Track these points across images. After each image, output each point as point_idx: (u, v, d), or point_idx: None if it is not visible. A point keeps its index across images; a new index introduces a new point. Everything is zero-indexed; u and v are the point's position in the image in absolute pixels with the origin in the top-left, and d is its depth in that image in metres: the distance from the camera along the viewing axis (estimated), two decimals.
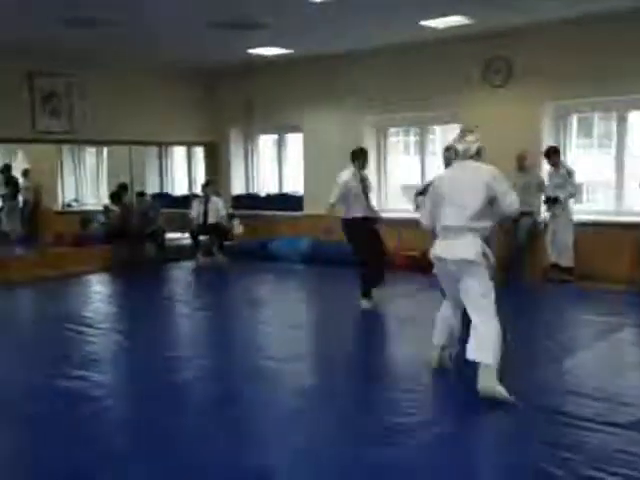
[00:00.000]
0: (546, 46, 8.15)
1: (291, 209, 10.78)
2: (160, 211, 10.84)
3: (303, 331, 6.48)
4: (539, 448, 3.56)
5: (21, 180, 13.34)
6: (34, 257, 10.21)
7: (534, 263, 8.24)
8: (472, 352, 4.21)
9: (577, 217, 8.08)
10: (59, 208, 13.41)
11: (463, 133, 4.52)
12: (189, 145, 12.23)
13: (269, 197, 11.40)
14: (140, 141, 10.92)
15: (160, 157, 13.02)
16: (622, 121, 8.15)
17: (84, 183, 13.72)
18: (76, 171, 13.67)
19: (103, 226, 11.12)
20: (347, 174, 6.92)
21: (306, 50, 9.46)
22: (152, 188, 12.62)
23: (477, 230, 4.30)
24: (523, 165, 8.23)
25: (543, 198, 8.24)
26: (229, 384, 4.82)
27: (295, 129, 10.79)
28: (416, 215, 5.08)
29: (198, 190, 11.01)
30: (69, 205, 13.47)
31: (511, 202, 4.36)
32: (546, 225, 8.20)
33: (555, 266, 8.11)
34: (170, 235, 10.97)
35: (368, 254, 6.92)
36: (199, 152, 12.24)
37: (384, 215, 9.93)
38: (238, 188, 11.76)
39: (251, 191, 11.80)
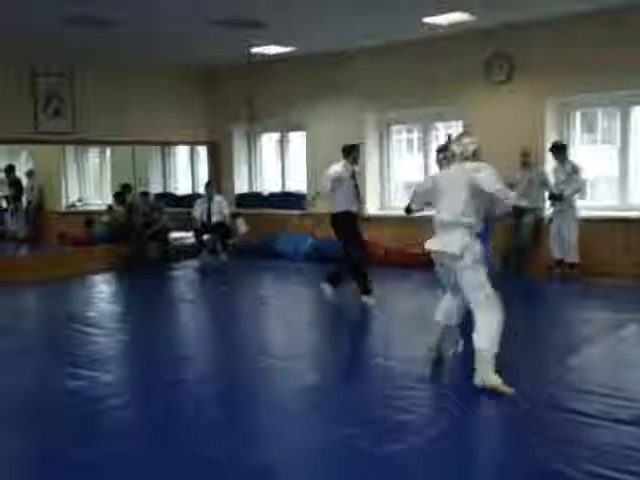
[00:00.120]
0: (548, 42, 8.13)
1: (294, 207, 10.76)
2: (164, 210, 10.85)
3: (305, 329, 6.48)
4: (543, 444, 3.55)
5: (25, 181, 13.38)
6: (38, 257, 10.25)
7: (538, 259, 8.22)
8: (474, 341, 4.38)
9: (581, 213, 8.06)
10: (63, 208, 13.45)
11: (460, 135, 4.62)
12: (192, 144, 12.23)
13: (272, 196, 11.39)
14: (143, 141, 10.93)
15: (163, 157, 13.03)
16: (626, 116, 8.13)
17: (88, 183, 13.75)
18: (79, 171, 13.70)
19: (107, 226, 11.14)
20: (339, 167, 6.94)
21: (308, 48, 9.45)
22: (155, 188, 12.63)
23: (467, 225, 4.41)
24: (526, 161, 8.21)
25: (547, 194, 8.22)
26: (233, 382, 4.82)
27: (298, 127, 10.79)
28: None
29: (201, 189, 11.02)
30: (73, 205, 13.49)
31: (506, 195, 4.43)
32: (550, 221, 8.18)
33: (559, 262, 8.09)
34: (174, 234, 10.98)
35: (360, 250, 6.95)
36: (202, 151, 12.24)
37: (387, 213, 10.03)
38: (241, 187, 11.76)
39: (254, 190, 11.80)
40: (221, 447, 3.67)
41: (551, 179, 8.18)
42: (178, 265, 10.35)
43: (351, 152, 7.03)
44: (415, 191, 5.06)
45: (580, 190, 8.00)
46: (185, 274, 9.86)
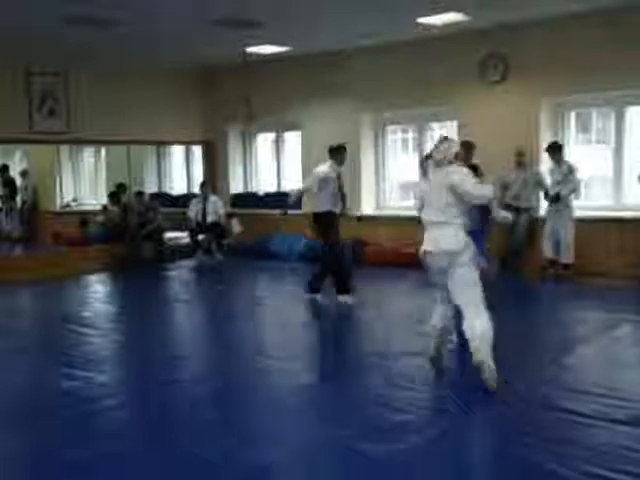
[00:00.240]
0: (543, 42, 8.15)
1: (290, 208, 10.74)
2: (159, 210, 10.84)
3: (300, 329, 6.48)
4: (537, 444, 3.56)
5: (19, 180, 13.34)
6: (32, 257, 10.23)
7: (532, 259, 8.23)
8: (465, 333, 4.45)
9: (576, 213, 8.07)
10: (57, 208, 13.42)
11: (439, 142, 4.69)
12: (187, 144, 12.22)
13: (268, 196, 11.39)
14: (138, 140, 10.91)
15: (158, 156, 13.01)
16: (620, 116, 8.15)
17: (82, 183, 13.72)
18: (74, 171, 13.67)
19: (102, 226, 11.12)
20: (326, 167, 6.99)
21: (304, 48, 9.45)
22: (151, 187, 12.62)
23: (457, 224, 4.47)
24: (521, 161, 8.23)
25: (542, 194, 8.24)
26: (228, 382, 4.82)
27: (293, 127, 10.79)
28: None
29: (196, 189, 11.01)
30: (68, 205, 13.47)
31: (480, 195, 4.50)
32: (543, 221, 8.19)
33: (552, 262, 8.10)
34: (169, 234, 10.97)
35: (339, 249, 7.01)
36: (197, 151, 12.23)
37: (382, 213, 10.04)
38: (237, 187, 11.75)
39: (250, 190, 11.79)
40: (216, 447, 3.67)
41: (547, 179, 8.20)
42: (173, 265, 10.34)
43: (337, 153, 7.07)
44: (415, 203, 4.96)
45: (576, 190, 8.02)
46: (180, 274, 9.84)
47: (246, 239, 10.60)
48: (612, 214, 8.06)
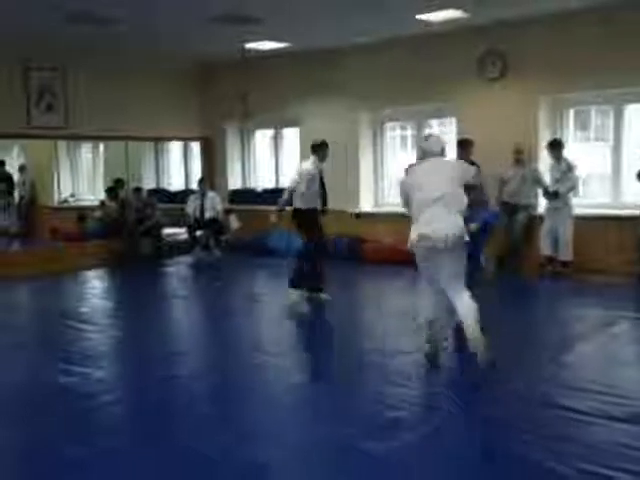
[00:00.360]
0: (542, 39, 8.14)
1: (288, 204, 10.73)
2: (156, 207, 10.82)
3: (297, 326, 6.48)
4: (536, 442, 3.56)
5: (17, 176, 13.31)
6: (30, 253, 10.21)
7: (530, 257, 8.23)
8: (461, 317, 4.60)
9: (575, 210, 8.07)
10: (55, 204, 13.40)
11: (427, 137, 5.06)
12: (185, 140, 12.20)
13: (266, 192, 11.36)
14: (136, 136, 10.89)
15: (156, 152, 12.99)
16: (619, 114, 8.14)
17: (80, 179, 13.70)
18: (72, 167, 13.65)
19: (99, 222, 11.10)
20: (309, 165, 6.96)
21: (303, 44, 9.44)
22: (149, 184, 12.59)
23: (455, 205, 4.61)
24: (519, 158, 8.22)
25: (541, 191, 8.24)
26: (226, 379, 4.81)
27: (292, 124, 10.76)
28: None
29: (194, 185, 10.99)
30: (65, 201, 13.45)
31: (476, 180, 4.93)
32: (541, 218, 8.19)
33: (550, 260, 8.11)
34: (167, 230, 10.96)
35: (321, 246, 7.01)
36: (195, 147, 12.21)
37: (381, 210, 10.03)
38: (235, 183, 11.74)
39: (248, 186, 11.77)
40: (214, 443, 3.67)
41: (546, 177, 8.20)
42: (171, 261, 10.33)
43: (320, 149, 7.02)
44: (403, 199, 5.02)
45: (575, 188, 8.03)
46: (178, 270, 9.83)
47: (244, 235, 10.58)
48: (611, 212, 8.06)
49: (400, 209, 5.16)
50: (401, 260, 8.66)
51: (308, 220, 6.99)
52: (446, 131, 9.65)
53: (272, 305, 7.32)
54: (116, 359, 5.59)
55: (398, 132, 10.30)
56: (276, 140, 11.42)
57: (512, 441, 3.63)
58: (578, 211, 8.05)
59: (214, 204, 10.41)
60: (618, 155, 8.19)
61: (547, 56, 8.10)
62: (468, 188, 4.81)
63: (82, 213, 11.82)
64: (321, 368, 5.15)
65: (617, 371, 4.80)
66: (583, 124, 8.83)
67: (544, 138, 8.33)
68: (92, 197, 12.94)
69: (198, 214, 10.38)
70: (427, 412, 4.04)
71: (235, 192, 11.62)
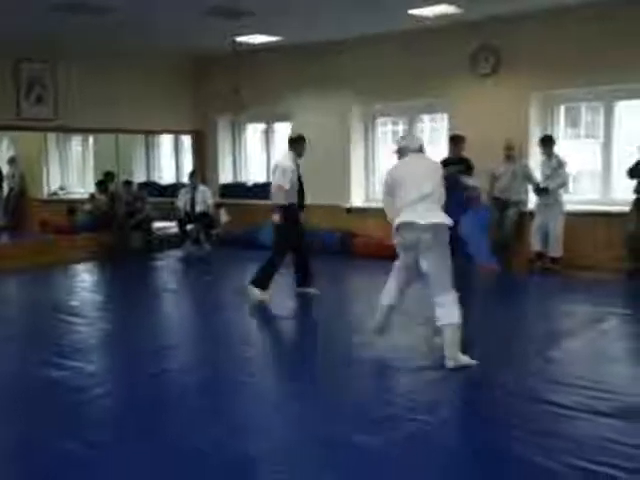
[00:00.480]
0: (534, 35, 8.15)
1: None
2: (147, 200, 10.78)
3: (288, 320, 6.49)
4: (523, 437, 3.58)
5: (6, 168, 13.22)
6: (19, 245, 10.17)
7: (520, 253, 8.27)
8: (441, 319, 4.61)
9: (565, 207, 8.11)
10: (45, 196, 13.33)
11: (403, 136, 5.39)
12: (177, 134, 12.16)
13: (257, 186, 11.35)
14: (127, 129, 10.84)
15: (147, 146, 12.94)
16: (609, 111, 8.18)
17: (70, 171, 13.63)
18: (62, 159, 13.57)
19: (89, 214, 11.06)
20: (288, 161, 6.89)
21: (294, 38, 9.42)
22: (139, 177, 12.55)
23: (437, 201, 4.73)
24: (510, 154, 8.25)
25: (531, 187, 8.28)
26: (217, 372, 4.81)
27: (283, 118, 10.74)
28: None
29: (185, 179, 10.97)
30: (55, 193, 13.38)
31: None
32: (532, 214, 8.23)
33: (540, 255, 8.15)
34: (157, 224, 10.93)
35: (294, 247, 6.96)
36: (186, 141, 12.17)
37: (372, 205, 10.04)
38: (226, 177, 11.72)
39: (239, 180, 11.75)
40: (205, 436, 3.67)
41: (537, 173, 8.24)
42: (161, 255, 10.31)
43: (297, 144, 6.97)
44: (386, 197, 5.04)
45: (565, 184, 8.07)
46: (168, 264, 9.82)
47: (235, 229, 10.58)
48: (600, 208, 8.10)
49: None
50: (391, 255, 8.73)
51: (289, 216, 6.92)
52: (438, 127, 9.68)
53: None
54: (106, 352, 5.58)
55: (390, 127, 10.31)
56: (268, 134, 11.40)
57: (500, 436, 3.66)
58: (568, 207, 8.09)
59: (205, 198, 10.39)
60: (608, 152, 8.22)
61: (539, 52, 8.12)
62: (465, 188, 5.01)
63: (72, 206, 11.77)
64: (313, 361, 5.15)
65: (604, 366, 4.84)
66: (573, 121, 8.86)
67: (535, 135, 8.36)
68: (82, 190, 12.88)
69: (189, 208, 10.36)
70: (417, 407, 4.05)
71: (226, 186, 11.60)
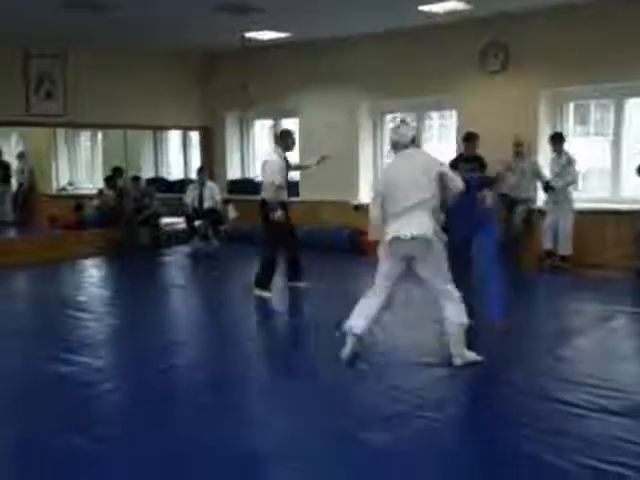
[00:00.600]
0: (544, 32, 8.10)
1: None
2: (154, 196, 10.80)
3: (295, 316, 6.49)
4: (534, 435, 3.57)
5: (15, 163, 13.28)
6: (28, 240, 10.20)
7: (530, 250, 8.24)
8: (448, 319, 4.58)
9: (575, 205, 8.07)
10: (54, 191, 13.37)
11: (397, 125, 4.81)
12: (184, 129, 12.16)
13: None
14: (135, 125, 10.86)
15: (155, 141, 12.96)
16: (619, 108, 8.13)
17: (79, 167, 13.68)
18: (70, 155, 13.62)
19: (97, 210, 11.09)
20: (276, 156, 6.83)
21: (303, 34, 9.39)
22: (147, 172, 12.57)
23: (427, 208, 4.47)
24: (519, 151, 8.21)
25: (540, 184, 8.24)
26: (224, 368, 4.81)
27: (291, 114, 10.73)
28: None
29: (193, 175, 10.97)
30: (64, 189, 13.42)
31: (455, 185, 4.59)
32: (541, 211, 8.19)
33: (550, 254, 8.11)
34: (165, 220, 10.94)
35: (285, 243, 6.92)
36: (195, 137, 12.18)
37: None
38: (234, 173, 11.71)
39: (247, 176, 11.75)
40: (212, 431, 3.68)
41: (546, 170, 8.20)
42: (169, 251, 10.32)
43: (287, 138, 6.93)
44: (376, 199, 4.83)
45: (574, 182, 8.02)
46: (176, 260, 9.83)
47: (242, 225, 10.57)
48: (610, 206, 8.06)
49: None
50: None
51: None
52: (446, 124, 9.65)
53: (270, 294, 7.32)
54: (114, 348, 5.58)
55: None
56: (275, 130, 11.38)
57: (510, 434, 3.64)
58: (577, 205, 8.04)
59: (213, 194, 10.39)
60: (618, 150, 8.18)
61: (549, 49, 8.08)
62: (489, 184, 4.89)
63: (80, 201, 11.81)
64: (319, 357, 5.14)
65: (614, 365, 4.82)
66: (583, 118, 8.82)
67: (544, 132, 8.32)
68: (90, 185, 12.92)
69: (197, 204, 10.36)
70: (425, 405, 4.04)
71: (234, 182, 11.59)
